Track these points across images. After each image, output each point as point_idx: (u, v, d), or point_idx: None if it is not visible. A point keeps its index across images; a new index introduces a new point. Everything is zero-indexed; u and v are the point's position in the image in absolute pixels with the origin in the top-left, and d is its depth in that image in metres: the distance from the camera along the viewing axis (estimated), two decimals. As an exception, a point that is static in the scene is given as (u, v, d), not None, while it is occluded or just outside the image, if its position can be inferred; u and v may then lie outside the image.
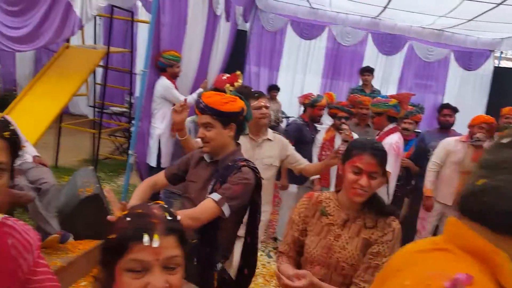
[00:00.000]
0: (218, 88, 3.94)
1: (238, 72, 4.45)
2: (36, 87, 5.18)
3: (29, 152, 4.13)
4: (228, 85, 4.21)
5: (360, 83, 6.75)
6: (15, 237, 1.12)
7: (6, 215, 1.16)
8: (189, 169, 2.24)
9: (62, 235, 3.49)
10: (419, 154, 4.57)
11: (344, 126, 4.18)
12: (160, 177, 2.30)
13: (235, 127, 2.15)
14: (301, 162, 3.11)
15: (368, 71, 6.46)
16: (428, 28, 7.92)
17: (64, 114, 5.83)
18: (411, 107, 4.82)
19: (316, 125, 4.74)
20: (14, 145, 1.02)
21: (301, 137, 4.42)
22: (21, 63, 8.92)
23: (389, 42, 8.33)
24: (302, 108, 4.86)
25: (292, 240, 1.95)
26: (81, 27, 4.70)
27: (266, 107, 2.88)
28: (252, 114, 2.71)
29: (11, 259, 1.09)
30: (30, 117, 4.74)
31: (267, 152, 2.97)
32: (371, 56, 8.41)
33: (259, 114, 2.84)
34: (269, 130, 3.05)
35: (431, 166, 4.19)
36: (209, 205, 1.97)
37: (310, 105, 4.61)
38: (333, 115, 4.49)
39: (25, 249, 1.12)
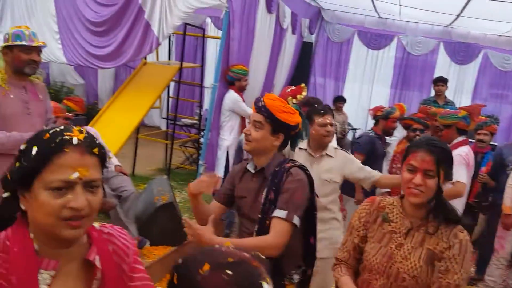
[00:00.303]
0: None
1: (303, 85, 4.51)
2: (117, 101, 5.60)
3: (111, 162, 4.45)
4: (290, 97, 4.30)
5: (432, 93, 6.51)
6: (115, 243, 1.11)
7: (102, 223, 1.17)
8: (236, 185, 2.12)
9: (140, 240, 3.70)
10: (496, 169, 4.34)
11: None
12: (214, 206, 2.15)
13: (282, 139, 2.03)
14: (373, 174, 2.94)
15: (442, 81, 6.20)
16: (505, 36, 7.49)
17: (140, 126, 6.22)
18: (484, 118, 4.59)
19: (386, 137, 4.66)
20: (103, 158, 1.04)
21: (373, 150, 4.30)
22: (103, 79, 9.61)
23: (462, 51, 7.97)
24: (373, 121, 4.76)
25: (353, 246, 1.84)
26: (158, 45, 5.02)
27: (331, 125, 2.80)
28: (317, 130, 2.75)
29: (115, 266, 1.09)
30: (112, 129, 5.11)
31: (326, 166, 2.83)
32: (443, 65, 8.09)
33: (324, 132, 2.76)
34: (330, 146, 2.92)
35: (510, 183, 3.96)
36: (280, 226, 1.87)
37: (384, 117, 4.53)
38: (407, 127, 4.39)
39: (125, 254, 1.12)
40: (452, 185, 3.17)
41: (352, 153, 3.59)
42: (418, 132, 4.19)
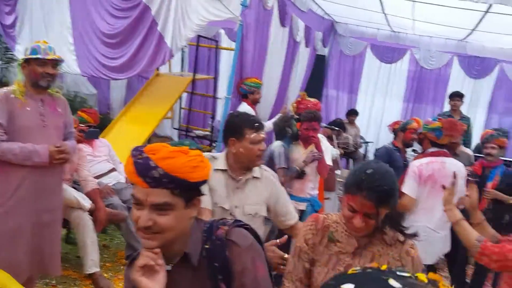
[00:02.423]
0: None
1: (302, 93, 4.59)
2: (129, 112, 5.61)
3: (122, 173, 4.43)
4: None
5: (446, 108, 6.43)
6: None
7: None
8: None
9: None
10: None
11: None
12: None
13: (199, 203, 1.30)
14: (292, 217, 2.39)
15: (458, 96, 6.13)
16: (522, 49, 7.40)
17: (151, 136, 6.22)
18: (491, 131, 4.51)
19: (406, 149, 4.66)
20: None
21: (390, 161, 4.28)
22: (115, 89, 9.66)
23: (477, 65, 7.88)
24: (393, 135, 4.87)
25: (304, 273, 1.63)
26: (171, 57, 5.03)
27: (264, 141, 2.26)
28: (247, 149, 2.19)
29: None
30: (124, 140, 5.12)
31: (252, 196, 2.25)
32: (457, 79, 8.00)
33: (257, 151, 2.20)
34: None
35: None
36: None
37: (402, 129, 4.61)
38: (420, 142, 4.35)
39: None
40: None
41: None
42: None
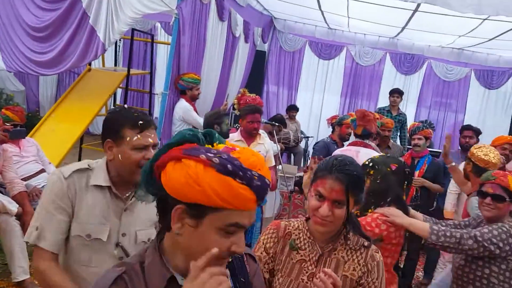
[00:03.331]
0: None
1: (243, 90, 4.59)
2: (59, 109, 5.30)
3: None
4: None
5: (382, 103, 6.72)
6: None
7: None
8: None
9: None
10: (437, 174, 4.43)
11: None
12: None
13: None
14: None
15: (398, 93, 6.41)
16: (447, 47, 7.87)
17: (84, 134, 5.92)
18: (418, 123, 4.77)
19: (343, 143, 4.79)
20: None
21: (328, 155, 4.39)
22: (44, 85, 9.15)
23: (407, 61, 8.30)
24: (331, 129, 5.03)
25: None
26: (104, 51, 4.80)
27: (155, 146, 1.71)
28: (128, 157, 1.64)
29: None
30: (54, 139, 4.83)
31: (143, 216, 1.74)
32: (390, 75, 8.39)
33: (139, 160, 1.65)
34: None
35: (451, 188, 4.09)
36: None
37: (338, 123, 4.76)
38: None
39: None
40: None
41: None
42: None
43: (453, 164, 3.33)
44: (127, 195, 1.72)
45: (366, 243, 1.57)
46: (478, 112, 8.25)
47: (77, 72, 7.12)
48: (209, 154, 0.95)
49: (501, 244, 2.20)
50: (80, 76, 5.81)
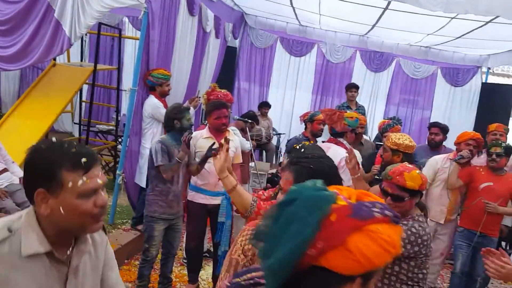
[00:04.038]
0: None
1: (213, 84, 4.54)
2: (23, 106, 5.09)
3: (16, 173, 4.04)
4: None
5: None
6: None
7: None
8: None
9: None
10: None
11: None
12: None
13: None
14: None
15: (354, 87, 6.57)
16: (415, 46, 8.02)
17: (49, 132, 5.71)
18: (388, 120, 4.83)
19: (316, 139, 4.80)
20: None
21: None
22: (6, 81, 8.78)
23: (377, 59, 8.43)
24: (303, 126, 4.97)
25: None
26: (70, 46, 4.63)
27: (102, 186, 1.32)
28: (74, 208, 1.25)
29: None
30: (17, 137, 4.63)
31: (90, 277, 1.41)
32: (360, 72, 8.49)
33: (92, 209, 1.28)
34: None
35: None
36: None
37: (309, 120, 4.75)
38: None
39: None
40: None
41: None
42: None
43: (359, 175, 3.29)
44: (67, 253, 1.33)
45: None
46: (444, 108, 8.47)
47: (41, 67, 6.85)
48: (376, 209, 0.82)
49: (408, 246, 2.17)
50: (44, 71, 5.60)
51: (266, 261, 0.80)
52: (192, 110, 4.57)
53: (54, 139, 1.32)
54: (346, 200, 0.83)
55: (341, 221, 0.79)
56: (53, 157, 1.24)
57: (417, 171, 2.32)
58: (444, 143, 4.88)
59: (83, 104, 6.66)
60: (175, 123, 3.53)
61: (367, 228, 0.79)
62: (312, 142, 4.72)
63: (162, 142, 3.50)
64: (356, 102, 6.66)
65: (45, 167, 1.23)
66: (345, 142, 3.76)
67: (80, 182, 1.24)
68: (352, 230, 0.78)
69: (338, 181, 1.56)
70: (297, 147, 1.81)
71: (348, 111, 5.24)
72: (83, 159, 1.24)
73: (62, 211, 1.24)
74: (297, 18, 7.57)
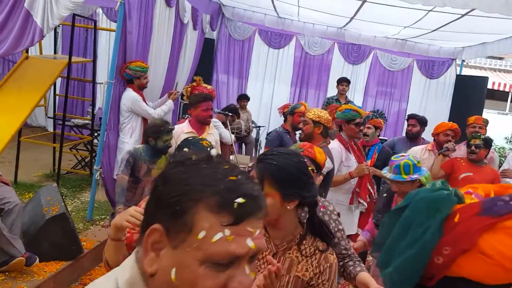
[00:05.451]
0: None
1: (198, 78, 4.48)
2: (-7, 100, 4.88)
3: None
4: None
5: (330, 92, 6.86)
6: None
7: None
8: None
9: (28, 257, 3.29)
10: (386, 161, 4.54)
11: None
12: None
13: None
14: None
15: (346, 81, 6.59)
16: (392, 38, 8.10)
17: (23, 127, 5.53)
18: (368, 112, 4.88)
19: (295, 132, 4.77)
20: None
21: (282, 144, 4.39)
22: (-25, 73, 8.44)
23: (354, 51, 8.47)
24: (283, 118, 4.97)
25: None
26: (42, 38, 4.46)
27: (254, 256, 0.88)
28: (196, 278, 0.81)
29: None
30: (-13, 133, 4.44)
31: None
32: (338, 65, 8.51)
33: None
34: None
35: None
36: None
37: (290, 112, 4.71)
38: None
39: None
40: None
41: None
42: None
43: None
44: None
45: (321, 248, 1.54)
46: (419, 100, 8.59)
47: (13, 60, 6.60)
48: (502, 203, 0.71)
49: None
50: (16, 64, 5.38)
51: (385, 270, 0.74)
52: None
53: (213, 152, 0.84)
54: (478, 197, 0.73)
55: (466, 220, 0.69)
56: (191, 182, 0.77)
57: None
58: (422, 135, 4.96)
59: (57, 98, 6.46)
60: (150, 141, 3.51)
61: (502, 225, 0.67)
62: (291, 135, 4.71)
63: (132, 154, 3.51)
64: (346, 96, 6.71)
65: (175, 194, 0.76)
66: (344, 135, 3.73)
67: (218, 235, 0.74)
68: (483, 229, 0.68)
69: (307, 177, 1.51)
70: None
71: (338, 105, 5.29)
72: (239, 199, 0.75)
73: (172, 277, 0.75)
74: (275, 10, 7.52)
